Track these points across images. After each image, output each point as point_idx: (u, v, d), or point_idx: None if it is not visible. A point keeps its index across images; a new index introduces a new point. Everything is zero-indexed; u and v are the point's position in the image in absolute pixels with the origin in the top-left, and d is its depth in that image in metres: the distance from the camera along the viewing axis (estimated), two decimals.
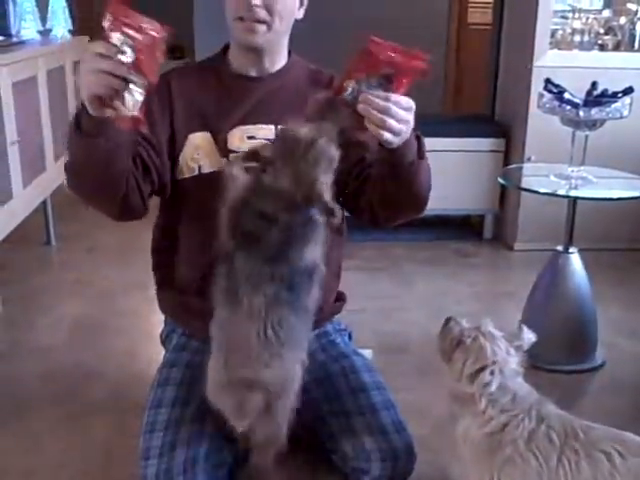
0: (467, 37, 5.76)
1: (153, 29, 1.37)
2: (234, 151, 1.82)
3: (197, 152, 1.81)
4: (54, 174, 3.64)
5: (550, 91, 2.50)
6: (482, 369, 1.68)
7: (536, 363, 2.57)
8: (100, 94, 1.40)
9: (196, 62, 1.98)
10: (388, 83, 1.43)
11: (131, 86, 1.38)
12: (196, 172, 1.82)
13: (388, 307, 3.13)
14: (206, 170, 1.82)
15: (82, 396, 2.37)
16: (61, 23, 4.37)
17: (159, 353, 2.03)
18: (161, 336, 2.10)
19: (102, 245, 3.75)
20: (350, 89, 1.44)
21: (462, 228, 4.26)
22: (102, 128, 1.51)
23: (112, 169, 1.62)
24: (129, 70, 1.36)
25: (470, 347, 1.71)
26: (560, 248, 2.65)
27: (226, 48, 1.91)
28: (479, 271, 3.64)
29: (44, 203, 3.72)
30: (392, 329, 2.92)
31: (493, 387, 1.67)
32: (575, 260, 2.61)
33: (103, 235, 3.83)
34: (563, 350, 2.62)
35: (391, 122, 1.45)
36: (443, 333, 1.78)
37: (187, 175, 1.83)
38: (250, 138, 1.85)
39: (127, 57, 1.36)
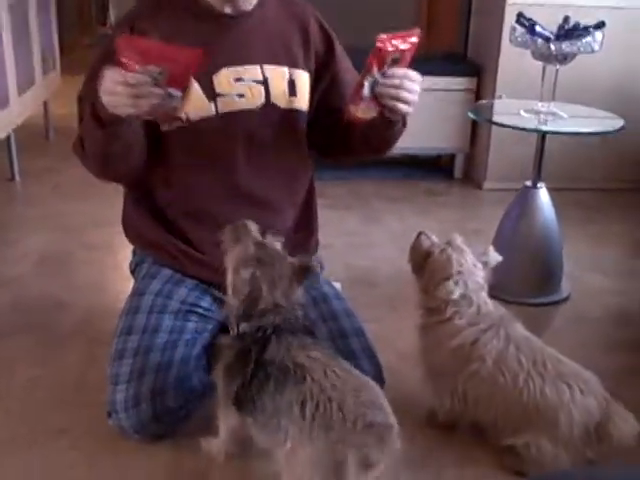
0: None
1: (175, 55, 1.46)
2: (222, 94, 1.79)
3: None
4: (17, 109, 3.55)
5: (522, 24, 2.49)
6: (447, 279, 1.74)
7: (503, 296, 2.61)
8: (142, 114, 1.53)
9: None
10: (396, 65, 1.61)
11: (170, 98, 1.50)
12: (183, 120, 1.78)
13: (358, 243, 3.14)
14: (194, 117, 1.78)
15: (52, 326, 2.36)
16: None
17: (128, 285, 2.02)
18: (130, 266, 2.08)
19: (67, 181, 3.69)
20: (367, 84, 1.60)
21: (432, 167, 4.27)
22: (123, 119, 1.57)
23: (133, 153, 1.72)
24: (165, 90, 1.48)
25: (438, 258, 1.78)
26: (529, 183, 2.67)
27: None
28: (448, 209, 3.65)
29: (8, 139, 3.63)
30: (362, 264, 2.93)
31: (455, 295, 1.74)
32: (543, 195, 2.63)
33: (68, 171, 3.75)
34: (530, 283, 2.65)
35: (405, 94, 1.63)
36: (414, 246, 1.85)
37: (175, 124, 1.79)
38: (237, 80, 1.80)
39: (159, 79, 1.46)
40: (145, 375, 1.74)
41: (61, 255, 2.90)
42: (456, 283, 1.76)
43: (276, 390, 1.47)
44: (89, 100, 1.62)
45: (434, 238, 1.86)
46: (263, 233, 1.62)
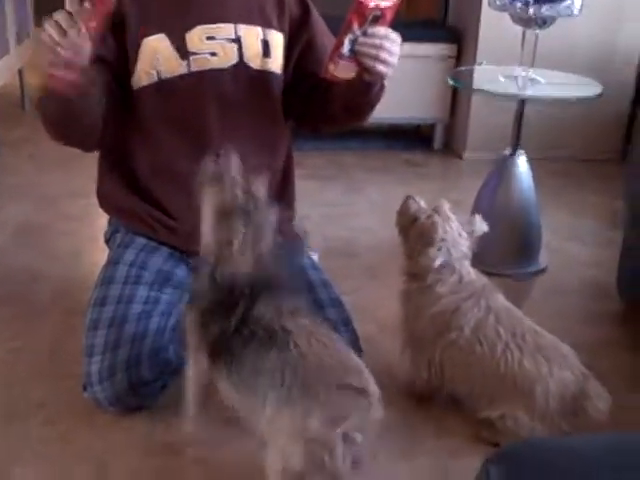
0: None
1: None
2: (194, 53, 1.77)
3: (156, 57, 1.74)
4: None
5: None
6: (430, 245, 1.74)
7: (481, 266, 2.61)
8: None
9: None
10: (376, 23, 1.57)
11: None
12: (155, 78, 1.76)
13: (337, 213, 3.13)
14: (166, 76, 1.76)
15: (29, 297, 2.35)
16: None
17: (104, 256, 2.00)
18: (105, 235, 2.07)
19: (44, 151, 3.63)
20: (347, 41, 1.57)
21: (412, 137, 4.25)
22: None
23: (84, 120, 1.66)
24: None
25: (424, 224, 1.77)
26: (507, 152, 2.66)
27: None
28: (429, 180, 3.64)
29: None
30: (341, 234, 2.92)
31: (437, 262, 1.73)
32: (521, 163, 2.63)
33: (45, 141, 3.65)
34: (508, 253, 2.65)
35: (385, 55, 1.59)
36: (401, 210, 1.85)
37: (146, 82, 1.77)
38: (210, 39, 1.79)
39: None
40: (120, 346, 1.73)
41: (38, 225, 2.87)
42: (439, 250, 1.76)
43: (259, 350, 1.43)
44: None
45: (422, 203, 1.85)
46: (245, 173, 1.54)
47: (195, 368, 1.60)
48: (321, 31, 1.92)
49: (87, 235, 2.77)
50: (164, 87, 1.77)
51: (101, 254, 2.09)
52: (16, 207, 3.02)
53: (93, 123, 1.70)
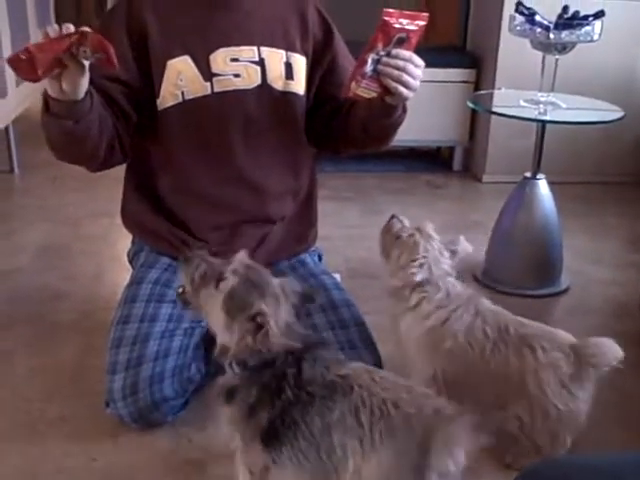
0: None
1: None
2: (218, 74, 1.79)
3: (180, 78, 1.77)
4: (16, 101, 3.54)
5: (522, 13, 2.47)
6: (411, 262, 1.75)
7: (502, 287, 2.61)
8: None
9: None
10: (401, 46, 1.56)
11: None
12: (180, 99, 1.78)
13: (358, 235, 3.13)
14: (190, 96, 1.78)
15: (50, 317, 2.36)
16: None
17: (126, 277, 2.02)
18: (128, 255, 2.09)
19: (67, 174, 3.65)
20: (370, 60, 1.56)
21: (432, 160, 4.26)
22: (70, 110, 1.54)
23: (85, 145, 1.66)
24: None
25: (405, 242, 1.79)
26: (528, 174, 2.66)
27: None
28: (448, 201, 3.65)
29: (6, 130, 3.62)
30: (362, 255, 2.92)
31: (418, 278, 1.73)
32: (542, 186, 2.63)
33: (67, 164, 3.75)
34: (529, 274, 2.65)
35: (407, 78, 1.58)
36: (384, 229, 1.86)
37: (170, 103, 1.79)
38: (234, 60, 1.81)
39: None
40: (143, 363, 1.74)
41: (59, 246, 2.89)
42: (420, 267, 1.76)
43: (323, 405, 1.35)
44: None
45: (406, 222, 1.86)
46: (215, 254, 1.48)
47: (248, 460, 1.49)
48: (343, 53, 1.94)
49: (109, 255, 2.79)
50: (188, 108, 1.79)
51: (123, 274, 2.11)
52: (38, 229, 3.05)
53: (95, 147, 1.68)
